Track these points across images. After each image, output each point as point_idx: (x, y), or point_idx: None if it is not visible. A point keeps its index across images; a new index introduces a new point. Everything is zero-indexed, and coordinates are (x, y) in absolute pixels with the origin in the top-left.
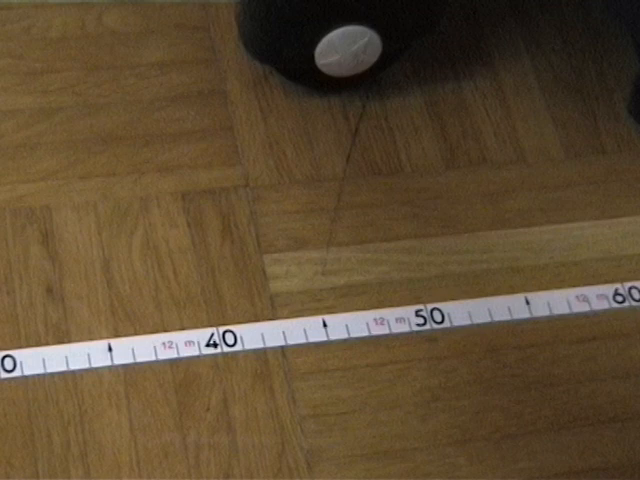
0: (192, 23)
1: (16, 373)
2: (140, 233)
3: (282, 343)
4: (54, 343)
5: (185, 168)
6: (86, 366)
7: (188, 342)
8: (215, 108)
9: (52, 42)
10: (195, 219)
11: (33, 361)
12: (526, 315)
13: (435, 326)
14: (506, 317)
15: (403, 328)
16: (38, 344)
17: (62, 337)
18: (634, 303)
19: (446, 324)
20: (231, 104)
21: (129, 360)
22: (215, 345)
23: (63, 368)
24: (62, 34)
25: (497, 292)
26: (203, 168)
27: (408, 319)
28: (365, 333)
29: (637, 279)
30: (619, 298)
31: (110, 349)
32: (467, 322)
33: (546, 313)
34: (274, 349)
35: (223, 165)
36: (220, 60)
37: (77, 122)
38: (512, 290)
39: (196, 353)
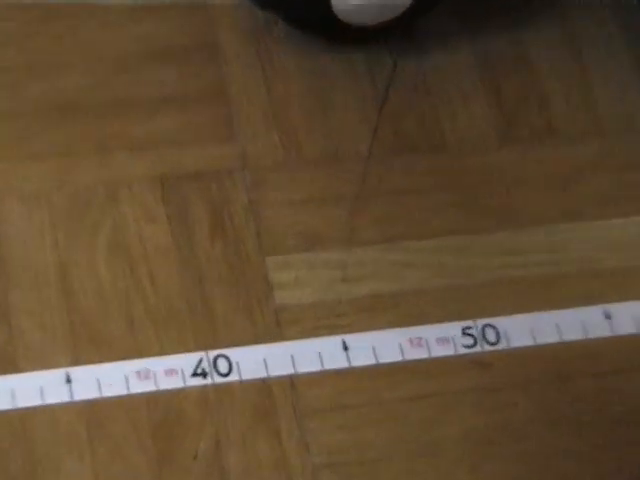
0: None
1: None
2: (107, 230)
3: (290, 371)
4: None
5: (165, 145)
6: (38, 402)
7: (169, 371)
8: (203, 67)
9: None
10: (178, 211)
11: None
12: (606, 333)
13: (488, 348)
14: (580, 335)
15: (446, 351)
16: None
17: (7, 366)
18: None
19: (502, 345)
20: (224, 62)
21: (93, 394)
22: (204, 374)
23: (8, 405)
24: None
25: (568, 303)
26: (188, 145)
27: (453, 339)
28: (397, 357)
29: None
30: None
31: (69, 380)
32: (529, 342)
33: (632, 330)
34: (280, 379)
35: (214, 141)
36: (209, 4)
37: (25, 87)
38: (588, 301)
39: (180, 385)
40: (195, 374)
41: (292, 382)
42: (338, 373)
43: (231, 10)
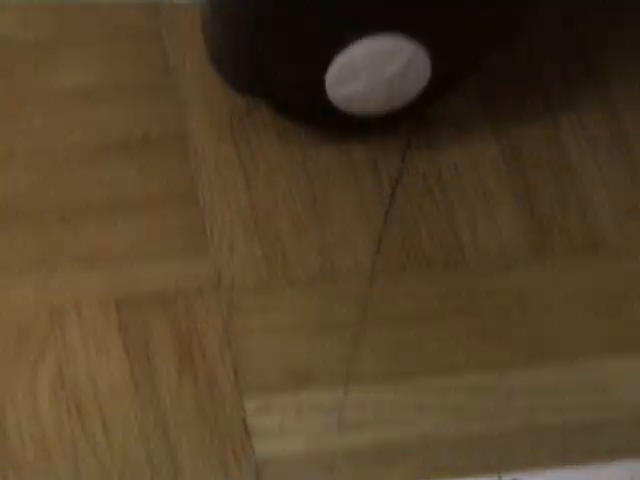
0: (135, 28)
1: None
2: (50, 364)
3: None
4: None
5: (121, 259)
6: None
7: None
8: (171, 162)
9: None
10: (137, 341)
11: None
12: None
13: None
14: None
15: None
16: None
17: None
18: None
19: None
20: (195, 156)
21: None
22: None
23: None
24: None
25: (616, 455)
26: (150, 259)
27: None
28: None
29: None
30: None
31: None
32: None
33: None
34: None
35: (181, 254)
36: (178, 86)
37: None
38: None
39: None
40: None
41: None
42: None
43: (204, 92)
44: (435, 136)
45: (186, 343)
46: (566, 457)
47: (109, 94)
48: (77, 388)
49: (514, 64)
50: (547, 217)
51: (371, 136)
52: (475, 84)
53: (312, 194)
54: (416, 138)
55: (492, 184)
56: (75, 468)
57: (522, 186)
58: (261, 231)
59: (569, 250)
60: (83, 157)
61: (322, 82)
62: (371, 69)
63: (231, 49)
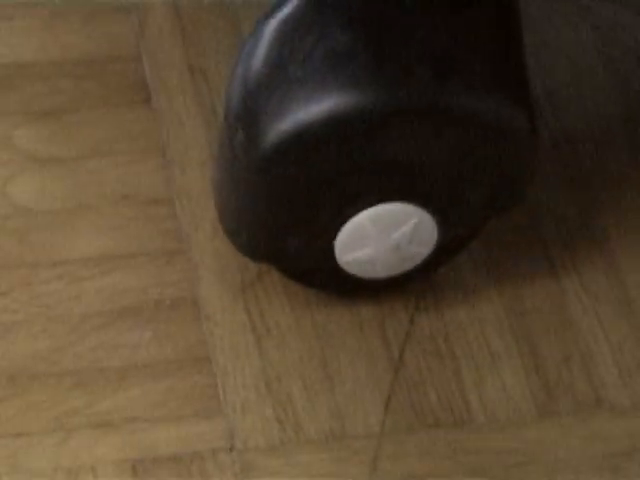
0: (146, 194)
1: None
2: None
3: None
4: None
5: (137, 422)
6: None
7: None
8: (183, 327)
9: None
10: None
11: None
12: None
13: None
14: None
15: None
16: None
17: None
18: None
19: None
20: (207, 320)
21: None
22: None
23: None
24: None
25: None
26: (164, 422)
27: None
28: None
29: None
30: None
31: None
32: None
33: None
34: None
35: (195, 417)
36: (189, 252)
37: None
38: None
39: None
40: None
41: None
42: None
43: (216, 257)
44: (442, 297)
45: None
46: None
47: (123, 261)
48: None
49: (515, 227)
50: (552, 376)
51: (380, 298)
52: (479, 246)
53: (322, 356)
54: (423, 299)
55: (497, 344)
56: None
57: (526, 345)
58: (273, 393)
59: (575, 408)
60: (98, 322)
61: (332, 249)
62: (379, 235)
63: (241, 219)
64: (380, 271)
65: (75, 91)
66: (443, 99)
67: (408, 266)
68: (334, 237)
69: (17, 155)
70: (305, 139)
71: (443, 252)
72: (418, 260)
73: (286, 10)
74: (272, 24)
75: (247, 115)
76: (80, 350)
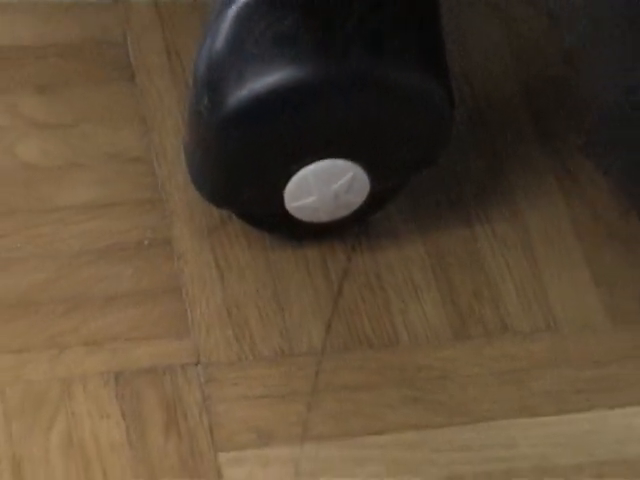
0: (130, 154)
1: None
2: (61, 426)
3: None
4: None
5: (119, 341)
6: None
7: None
8: (158, 263)
9: None
10: (132, 407)
11: None
12: None
13: None
14: None
15: None
16: None
17: None
18: None
19: None
20: (179, 258)
21: None
22: None
23: None
24: None
25: None
26: (142, 341)
27: None
28: None
29: None
30: None
31: None
32: None
33: None
34: None
35: (168, 337)
36: (165, 201)
37: None
38: None
39: None
40: None
41: None
42: None
43: (187, 206)
44: (374, 240)
45: (171, 408)
46: None
47: (109, 208)
48: (83, 446)
49: (436, 184)
50: (465, 306)
51: (322, 240)
52: (406, 198)
53: (274, 288)
54: (359, 242)
55: (420, 279)
56: None
57: (444, 281)
58: (233, 318)
59: (484, 333)
60: (87, 259)
61: (281, 198)
62: (321, 186)
63: (206, 172)
64: (322, 216)
65: (70, 69)
66: (373, 74)
67: (346, 212)
68: (283, 188)
69: (22, 121)
70: (258, 104)
71: (375, 201)
72: (354, 208)
73: None
74: (233, 10)
75: (211, 84)
76: (71, 282)
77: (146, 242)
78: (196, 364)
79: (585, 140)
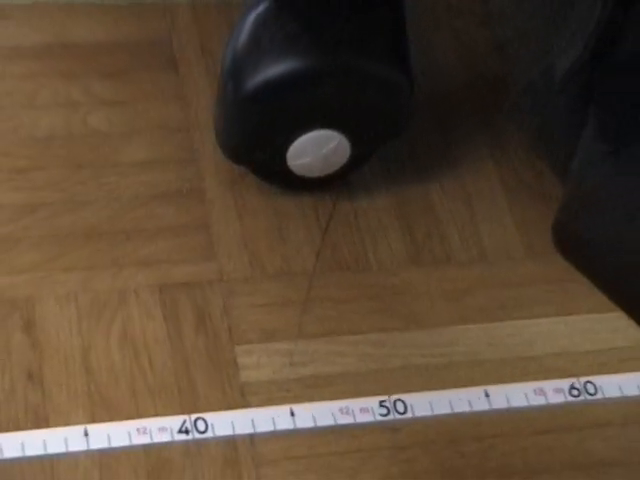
0: (173, 124)
1: None
2: (118, 324)
3: (251, 431)
4: (33, 427)
5: (162, 262)
6: (63, 450)
7: (161, 428)
8: (192, 206)
9: (38, 141)
10: (171, 311)
11: (12, 444)
12: (486, 407)
13: (398, 416)
14: (466, 409)
15: (367, 418)
16: (17, 428)
17: (41, 422)
18: (589, 397)
19: (408, 415)
20: (208, 202)
21: (104, 445)
22: (187, 432)
23: (41, 452)
24: (48, 134)
25: (458, 385)
26: (180, 263)
27: (372, 409)
28: (331, 422)
29: (593, 374)
30: (575, 392)
31: (86, 434)
32: (429, 413)
33: (505, 405)
34: (243, 436)
35: (199, 260)
36: (198, 160)
37: (60, 218)
38: (472, 383)
39: (168, 439)
40: (180, 431)
41: (252, 439)
42: (287, 433)
43: (216, 164)
44: (353, 191)
45: (201, 313)
46: (429, 385)
47: (157, 164)
48: (134, 340)
49: (400, 151)
50: (420, 242)
51: (315, 191)
52: (377, 161)
53: (279, 226)
54: (342, 192)
55: (386, 221)
56: (132, 385)
57: (405, 223)
58: (248, 247)
59: (433, 262)
60: (140, 202)
61: (285, 157)
62: (314, 149)
63: (229, 138)
64: (316, 172)
65: (130, 60)
66: (355, 66)
67: (333, 170)
68: (286, 150)
69: (93, 99)
70: (269, 88)
71: (354, 162)
72: (339, 166)
73: (261, 7)
74: (253, 15)
75: (234, 73)
76: (128, 218)
77: (184, 190)
78: (220, 280)
79: (510, 107)
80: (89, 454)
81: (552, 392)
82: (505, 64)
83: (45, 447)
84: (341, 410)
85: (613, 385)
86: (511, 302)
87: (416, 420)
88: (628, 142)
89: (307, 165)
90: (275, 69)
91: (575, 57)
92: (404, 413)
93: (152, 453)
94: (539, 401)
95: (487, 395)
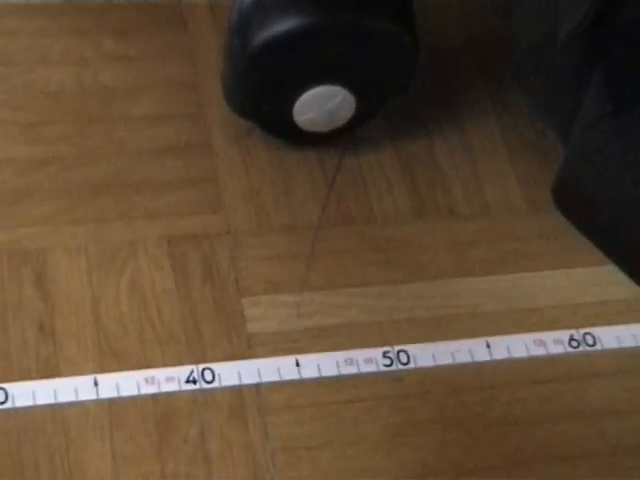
0: (181, 80)
1: (7, 405)
2: (127, 275)
3: (257, 380)
4: (44, 377)
5: (171, 215)
6: (73, 399)
7: (169, 378)
8: (200, 160)
9: (50, 96)
10: (179, 263)
11: (24, 394)
12: (486, 358)
13: (401, 367)
14: (468, 359)
15: (371, 368)
16: (29, 378)
17: (52, 372)
18: (588, 348)
19: (411, 365)
20: (216, 156)
21: (114, 394)
22: (194, 381)
23: (52, 401)
24: (60, 89)
25: (460, 336)
26: (188, 215)
27: (376, 360)
28: (335, 372)
29: (591, 325)
30: (574, 343)
31: (96, 383)
32: (431, 363)
33: (505, 356)
34: (249, 386)
35: (206, 213)
36: (206, 115)
37: (72, 171)
38: (474, 334)
39: (176, 388)
40: (188, 381)
41: (258, 389)
42: (292, 383)
43: (223, 119)
44: (359, 146)
45: (208, 265)
46: (431, 336)
47: (166, 119)
48: (143, 290)
49: (404, 107)
50: (423, 196)
51: (320, 146)
52: (383, 117)
53: (285, 180)
54: (347, 147)
55: (391, 175)
56: (141, 335)
57: (409, 177)
58: (254, 201)
59: (436, 215)
60: (149, 156)
61: (291, 112)
62: (319, 104)
63: (236, 93)
64: (321, 127)
65: (140, 20)
66: (358, 23)
67: (338, 124)
68: (292, 105)
69: (104, 55)
70: (274, 45)
71: (359, 117)
72: (344, 121)
73: None
74: None
75: (241, 30)
76: (138, 171)
77: (192, 144)
78: (227, 233)
79: (514, 68)
80: (99, 403)
81: (552, 343)
82: (509, 24)
83: (56, 396)
84: (345, 360)
85: (611, 336)
86: (512, 255)
87: (418, 370)
88: (630, 103)
89: (313, 120)
90: (280, 26)
91: (579, 18)
92: (407, 364)
93: (160, 402)
94: (539, 352)
95: (488, 346)
